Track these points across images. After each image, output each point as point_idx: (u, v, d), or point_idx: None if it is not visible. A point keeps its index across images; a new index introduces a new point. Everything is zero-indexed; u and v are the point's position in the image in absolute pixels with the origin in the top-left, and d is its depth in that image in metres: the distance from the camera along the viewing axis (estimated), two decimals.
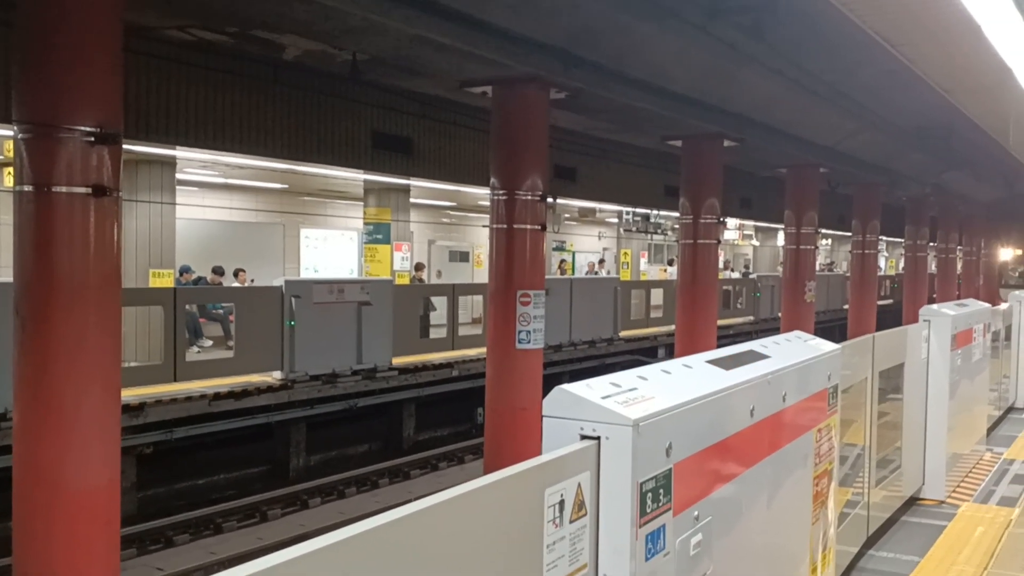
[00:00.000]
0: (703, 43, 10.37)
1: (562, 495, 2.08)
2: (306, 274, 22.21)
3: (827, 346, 3.95)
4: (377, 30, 8.27)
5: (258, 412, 12.29)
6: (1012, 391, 10.03)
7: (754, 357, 3.27)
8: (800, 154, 15.66)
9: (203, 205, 19.27)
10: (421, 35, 8.28)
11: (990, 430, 8.36)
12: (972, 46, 7.40)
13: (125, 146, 7.18)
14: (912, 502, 6.10)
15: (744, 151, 14.72)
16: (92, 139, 6.47)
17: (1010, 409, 9.83)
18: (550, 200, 11.13)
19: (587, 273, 28.85)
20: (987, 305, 8.20)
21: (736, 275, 32.05)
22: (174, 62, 11.37)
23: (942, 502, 6.17)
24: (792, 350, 3.62)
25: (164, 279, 14.14)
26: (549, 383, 2.34)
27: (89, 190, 6.49)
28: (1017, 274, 35.34)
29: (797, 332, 4.10)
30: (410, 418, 15.26)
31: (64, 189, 6.45)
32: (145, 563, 9.90)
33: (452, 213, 26.76)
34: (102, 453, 6.75)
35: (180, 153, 14.16)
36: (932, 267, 29.22)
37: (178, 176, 15.46)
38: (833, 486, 3.88)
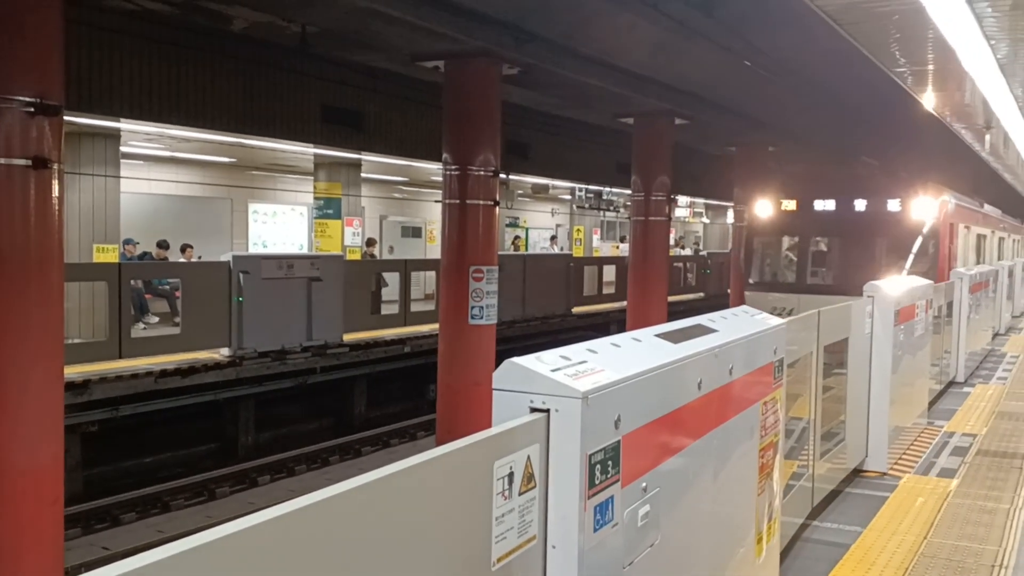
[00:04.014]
0: (653, 18, 10.39)
1: (511, 467, 2.08)
2: (254, 249, 21.92)
3: (773, 321, 4.00)
4: (327, 1, 8.16)
5: (206, 389, 12.14)
6: (953, 366, 10.26)
7: (702, 331, 3.29)
8: (749, 132, 15.82)
9: (149, 179, 18.90)
10: (371, 7, 8.18)
11: (931, 404, 8.54)
12: (914, 24, 7.48)
13: (67, 118, 7.01)
14: (855, 474, 6.23)
15: (695, 129, 14.82)
16: (32, 110, 6.30)
17: (950, 383, 10.06)
18: (503, 176, 11.12)
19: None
20: (929, 281, 8.35)
21: (687, 252, 32.34)
22: (118, 32, 11.10)
23: (884, 474, 6.31)
24: (739, 324, 3.66)
25: (108, 254, 13.87)
26: (502, 359, 2.33)
27: (29, 162, 6.33)
28: (789, 260, 15.89)
29: (744, 307, 4.15)
30: (361, 395, 15.20)
31: (2, 161, 6.29)
32: (91, 542, 9.77)
33: (404, 188, 26.58)
34: (45, 431, 6.62)
35: (124, 125, 13.86)
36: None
37: (122, 149, 15.14)
38: (779, 458, 3.94)
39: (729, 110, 14.47)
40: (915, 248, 13.90)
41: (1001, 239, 21.68)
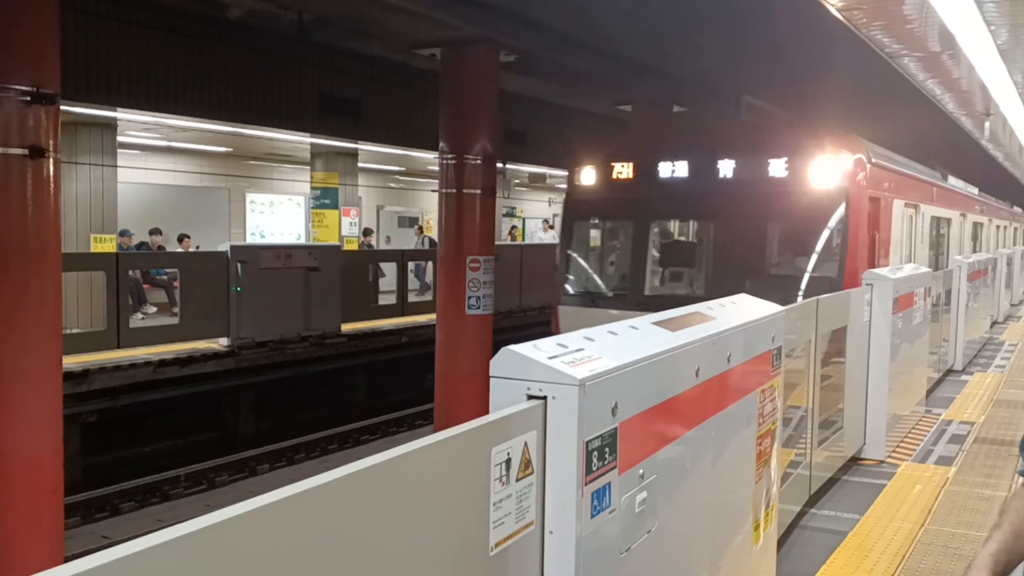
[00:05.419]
0: (653, 4, 10.36)
1: (509, 454, 2.09)
2: (252, 239, 21.90)
3: (772, 309, 4.00)
4: None
5: (205, 379, 12.14)
6: (951, 354, 10.27)
7: (700, 319, 3.29)
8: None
9: (146, 168, 18.86)
10: None
11: (929, 392, 8.56)
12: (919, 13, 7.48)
13: (64, 107, 6.99)
14: (853, 462, 6.24)
15: (693, 116, 14.78)
16: (28, 99, 6.28)
17: (948, 372, 10.07)
18: (500, 165, 11.08)
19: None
20: (929, 269, 8.33)
21: None
22: (114, 20, 11.06)
23: (882, 462, 6.32)
24: (737, 312, 3.66)
25: (106, 244, 13.85)
26: (499, 350, 2.33)
27: (26, 151, 6.32)
28: (623, 258, 10.20)
29: (743, 295, 4.15)
30: (360, 384, 15.21)
31: None
32: (91, 531, 9.79)
33: (401, 178, 26.54)
34: (44, 421, 6.63)
35: (121, 115, 13.82)
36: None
37: (119, 139, 15.10)
38: (776, 446, 3.94)
39: (731, 98, 14.40)
40: (822, 237, 8.87)
41: (978, 225, 16.66)
